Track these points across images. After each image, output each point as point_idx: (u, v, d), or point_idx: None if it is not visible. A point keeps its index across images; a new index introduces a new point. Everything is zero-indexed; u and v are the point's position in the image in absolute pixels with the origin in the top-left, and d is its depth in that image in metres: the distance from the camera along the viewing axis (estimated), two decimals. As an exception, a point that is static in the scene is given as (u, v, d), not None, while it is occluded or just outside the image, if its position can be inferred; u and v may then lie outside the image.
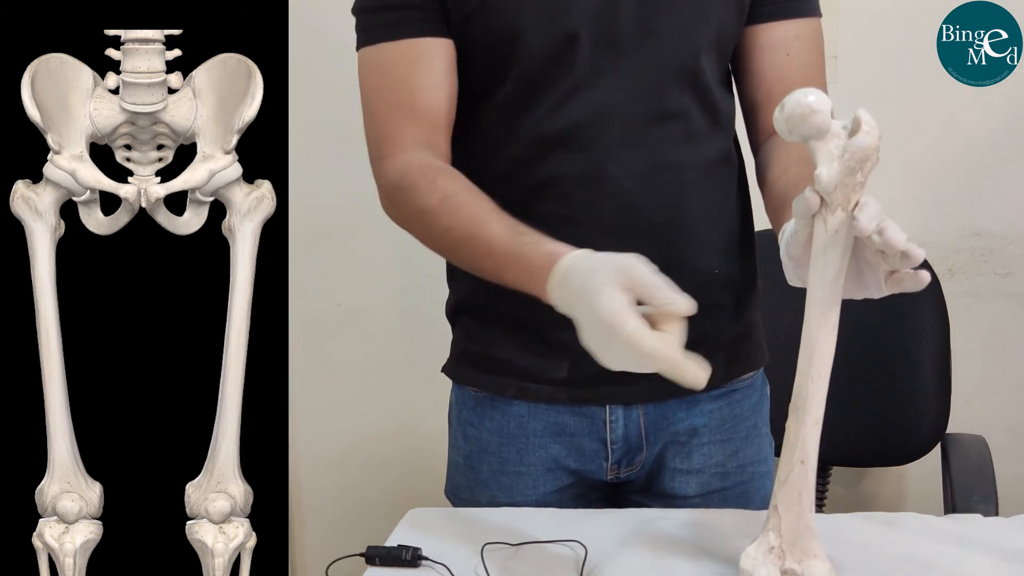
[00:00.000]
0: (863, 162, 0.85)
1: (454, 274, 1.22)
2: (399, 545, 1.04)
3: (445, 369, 1.26)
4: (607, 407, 1.18)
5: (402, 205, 1.10)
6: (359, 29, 1.13)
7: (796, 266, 0.93)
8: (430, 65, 1.10)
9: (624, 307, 0.87)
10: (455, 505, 1.27)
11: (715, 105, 1.14)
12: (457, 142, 1.13)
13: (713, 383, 1.19)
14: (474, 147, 1.14)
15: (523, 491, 1.21)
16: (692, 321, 1.16)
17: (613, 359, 0.89)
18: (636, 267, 0.89)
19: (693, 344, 1.16)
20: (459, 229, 1.04)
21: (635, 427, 1.19)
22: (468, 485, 1.24)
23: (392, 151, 1.10)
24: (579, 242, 1.11)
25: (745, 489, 1.22)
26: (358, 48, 1.13)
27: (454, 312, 1.24)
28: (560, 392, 1.17)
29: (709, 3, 1.10)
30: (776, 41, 1.14)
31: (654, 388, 1.16)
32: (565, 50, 1.08)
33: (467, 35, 1.10)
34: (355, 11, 1.13)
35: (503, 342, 1.18)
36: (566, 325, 1.13)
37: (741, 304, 1.20)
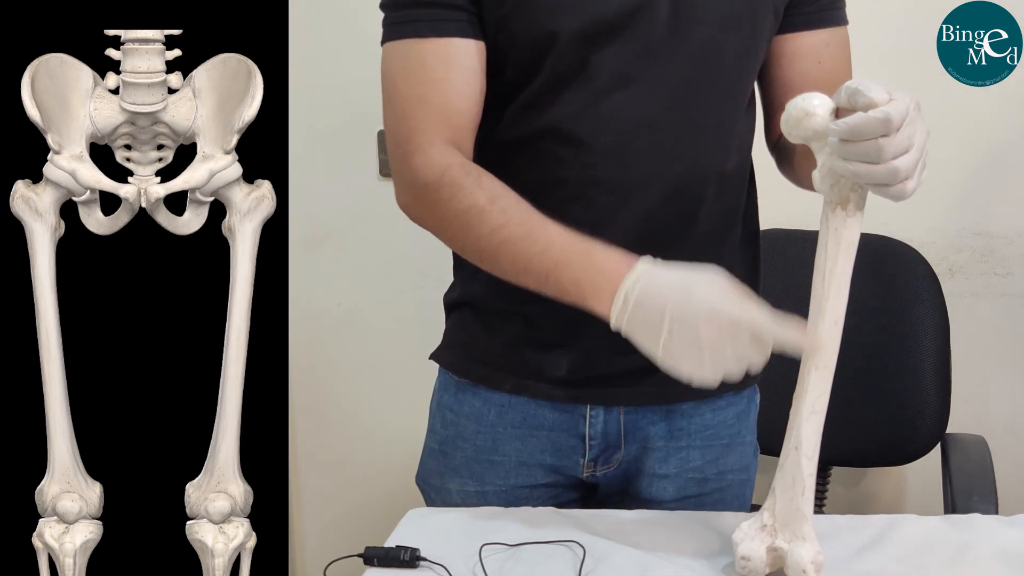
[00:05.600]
0: None
1: (464, 267, 1.21)
2: (397, 546, 1.04)
3: (436, 356, 1.25)
4: (587, 404, 1.18)
5: (437, 204, 1.06)
6: (387, 24, 1.09)
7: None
8: (461, 65, 1.07)
9: (743, 297, 0.91)
10: (425, 492, 1.27)
11: (738, 118, 1.14)
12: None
13: (707, 392, 1.19)
14: (493, 143, 1.12)
15: (493, 480, 1.20)
16: None
17: (713, 357, 0.90)
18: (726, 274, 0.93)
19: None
20: (511, 227, 1.01)
21: (614, 424, 1.19)
22: (439, 471, 1.24)
23: (422, 148, 1.07)
24: None
25: (723, 496, 1.22)
26: (384, 42, 1.10)
27: (455, 303, 1.23)
28: (557, 390, 1.17)
29: (744, 13, 1.08)
30: (807, 50, 1.14)
31: (656, 391, 1.16)
32: (596, 53, 1.06)
33: (503, 36, 1.08)
34: (383, 5, 1.10)
35: (503, 337, 1.18)
36: (568, 326, 1.13)
37: None
